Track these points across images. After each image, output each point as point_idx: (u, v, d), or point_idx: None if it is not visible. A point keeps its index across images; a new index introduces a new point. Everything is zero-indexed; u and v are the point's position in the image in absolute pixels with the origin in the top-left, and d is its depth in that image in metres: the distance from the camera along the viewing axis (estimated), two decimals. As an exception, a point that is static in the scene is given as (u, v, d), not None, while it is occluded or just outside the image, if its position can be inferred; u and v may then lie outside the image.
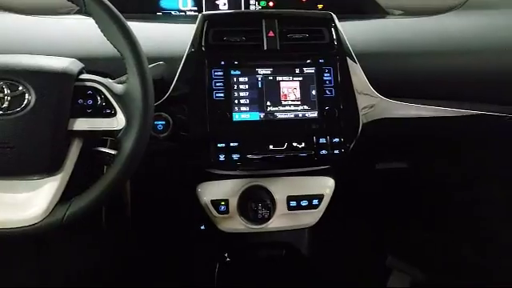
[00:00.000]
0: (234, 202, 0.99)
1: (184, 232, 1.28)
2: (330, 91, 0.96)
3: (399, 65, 1.06)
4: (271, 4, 1.24)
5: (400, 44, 1.08)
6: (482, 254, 1.55)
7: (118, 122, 0.74)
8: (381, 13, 1.22)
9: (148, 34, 0.97)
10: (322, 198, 1.02)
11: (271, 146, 0.94)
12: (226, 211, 0.99)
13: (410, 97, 1.04)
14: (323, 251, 1.27)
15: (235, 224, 1.01)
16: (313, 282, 1.21)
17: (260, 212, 0.98)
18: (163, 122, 0.91)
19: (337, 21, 1.00)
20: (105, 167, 0.81)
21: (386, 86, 1.01)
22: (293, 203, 1.01)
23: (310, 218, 1.04)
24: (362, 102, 0.98)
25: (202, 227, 1.13)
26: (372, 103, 1.00)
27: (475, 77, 1.08)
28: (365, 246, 1.59)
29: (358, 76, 0.98)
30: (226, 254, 1.14)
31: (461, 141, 1.26)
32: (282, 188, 1.01)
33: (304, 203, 1.01)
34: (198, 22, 0.96)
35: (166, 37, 1.03)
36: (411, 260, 1.58)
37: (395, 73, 1.05)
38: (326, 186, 1.03)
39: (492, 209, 1.60)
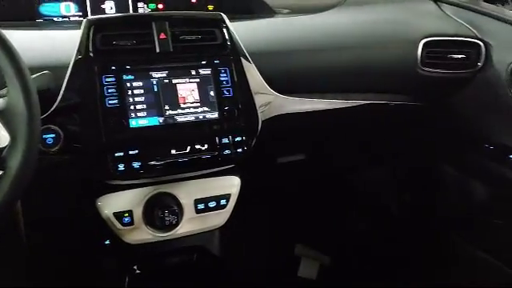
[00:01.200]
0: (138, 212, 0.96)
1: (87, 249, 1.21)
2: (228, 91, 0.97)
3: (290, 62, 1.10)
4: (161, 6, 1.22)
5: (289, 42, 1.12)
6: (385, 237, 1.67)
7: (1, 139, 0.68)
8: (269, 12, 1.26)
9: (28, 42, 0.91)
10: (230, 198, 1.03)
11: (173, 151, 0.92)
12: (131, 222, 0.96)
13: (304, 92, 1.09)
14: (234, 249, 1.29)
15: (142, 234, 0.98)
16: (226, 282, 1.22)
17: (167, 219, 0.96)
18: (53, 135, 0.85)
19: (228, 21, 1.00)
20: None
21: (280, 83, 1.04)
22: (201, 206, 1.01)
23: (218, 218, 1.05)
24: (259, 100, 1.00)
25: (107, 242, 1.07)
26: (268, 101, 1.03)
27: (360, 69, 1.16)
28: (274, 238, 1.64)
29: (253, 75, 1.00)
30: (136, 267, 1.10)
31: (352, 129, 1.34)
32: (188, 192, 1.00)
33: (212, 204, 1.02)
34: (83, 27, 0.91)
35: (50, 44, 0.96)
36: (319, 247, 1.66)
37: (287, 70, 1.09)
38: (232, 185, 1.04)
39: (389, 190, 1.73)
